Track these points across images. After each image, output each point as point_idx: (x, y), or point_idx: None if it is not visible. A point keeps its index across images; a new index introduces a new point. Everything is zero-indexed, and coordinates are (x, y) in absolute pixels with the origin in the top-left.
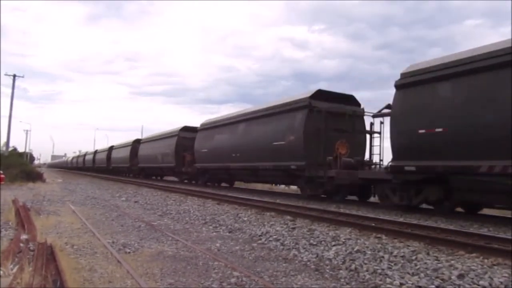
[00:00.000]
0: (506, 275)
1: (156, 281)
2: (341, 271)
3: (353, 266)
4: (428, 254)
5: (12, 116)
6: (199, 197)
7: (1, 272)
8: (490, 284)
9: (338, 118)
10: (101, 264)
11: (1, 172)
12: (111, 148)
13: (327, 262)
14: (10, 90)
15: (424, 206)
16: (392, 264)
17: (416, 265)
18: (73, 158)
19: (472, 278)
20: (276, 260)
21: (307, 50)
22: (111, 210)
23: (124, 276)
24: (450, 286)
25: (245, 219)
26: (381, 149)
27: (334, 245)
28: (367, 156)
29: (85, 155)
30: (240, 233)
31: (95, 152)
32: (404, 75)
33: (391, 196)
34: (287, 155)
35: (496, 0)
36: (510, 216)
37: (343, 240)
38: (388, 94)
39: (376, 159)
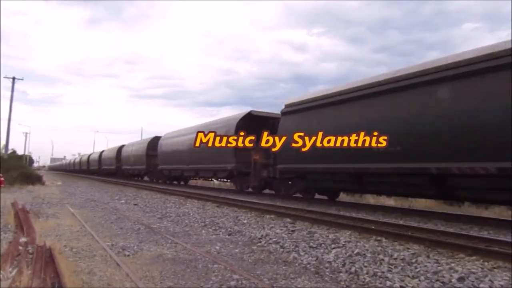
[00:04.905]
0: (507, 278)
1: (156, 284)
2: (341, 274)
3: (353, 269)
4: (428, 257)
5: (12, 118)
6: (198, 199)
7: (0, 275)
8: (491, 287)
9: None
10: (100, 267)
11: (1, 174)
12: (121, 148)
13: (327, 265)
14: (9, 93)
15: None
16: (392, 267)
17: (416, 268)
18: (74, 160)
19: (473, 281)
20: (276, 262)
21: (306, 53)
22: (111, 213)
23: (123, 279)
24: None
25: (245, 221)
26: None
27: (334, 248)
28: None
29: (89, 156)
30: (240, 236)
31: (101, 153)
32: None
33: None
34: None
35: (495, 0)
36: (510, 218)
37: (343, 243)
38: None
39: None
